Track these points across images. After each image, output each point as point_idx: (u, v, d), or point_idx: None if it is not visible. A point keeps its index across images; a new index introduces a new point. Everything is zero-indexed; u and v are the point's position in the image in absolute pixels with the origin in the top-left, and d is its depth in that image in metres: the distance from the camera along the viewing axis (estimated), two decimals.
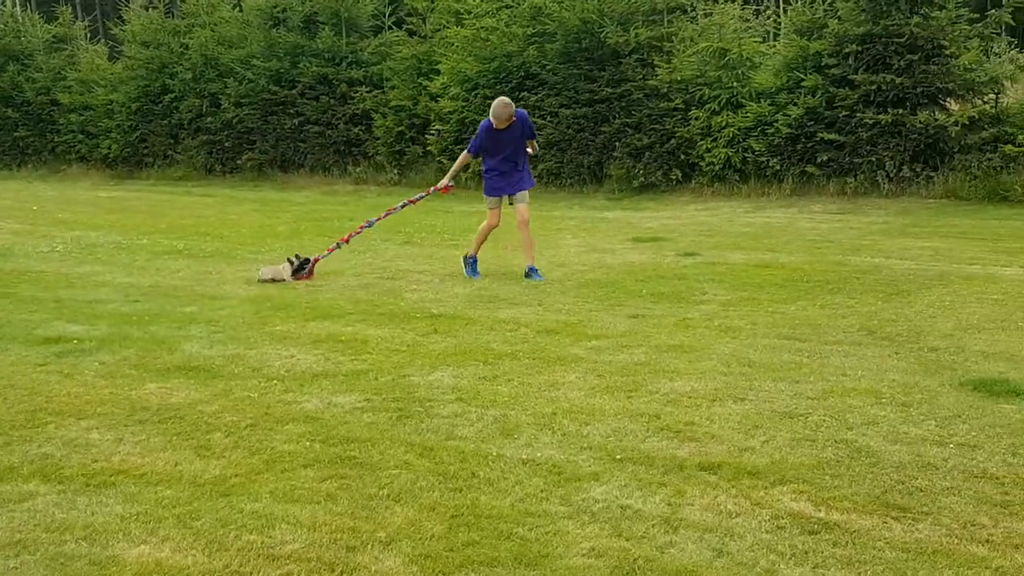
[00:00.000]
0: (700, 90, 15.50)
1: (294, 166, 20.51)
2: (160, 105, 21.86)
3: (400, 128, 18.87)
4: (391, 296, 8.02)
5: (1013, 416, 4.34)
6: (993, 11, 13.84)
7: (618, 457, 4.14)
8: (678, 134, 15.61)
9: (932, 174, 13.29)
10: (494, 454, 4.26)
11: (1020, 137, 12.40)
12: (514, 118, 8.65)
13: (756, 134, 14.71)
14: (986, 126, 12.99)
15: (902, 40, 13.32)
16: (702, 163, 15.32)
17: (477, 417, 4.77)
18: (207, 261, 10.10)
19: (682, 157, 15.73)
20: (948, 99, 13.81)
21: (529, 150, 9.07)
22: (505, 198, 9.12)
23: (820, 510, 3.51)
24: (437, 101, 18.40)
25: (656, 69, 16.05)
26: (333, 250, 9.29)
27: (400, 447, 4.40)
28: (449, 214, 14.93)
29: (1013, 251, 9.06)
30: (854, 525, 3.37)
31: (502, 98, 8.90)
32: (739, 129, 14.85)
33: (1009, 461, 3.82)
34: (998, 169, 12.64)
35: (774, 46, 15.70)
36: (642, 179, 16.00)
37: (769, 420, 4.49)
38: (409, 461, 4.23)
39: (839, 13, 14.14)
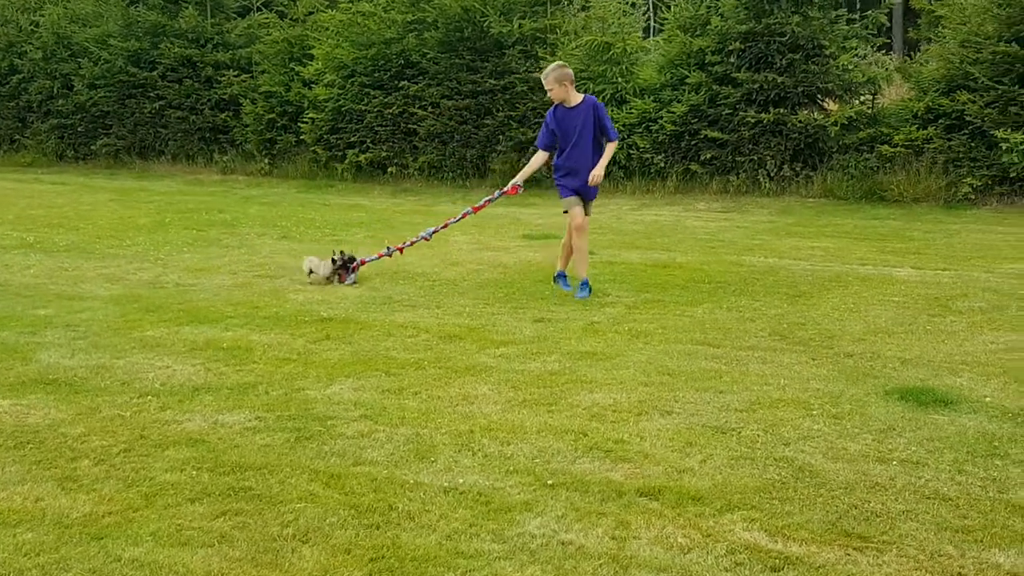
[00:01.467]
0: (585, 85, 15.35)
1: (154, 153, 19.36)
2: (7, 86, 20.33)
3: (271, 115, 18.04)
4: (274, 297, 7.45)
5: (947, 428, 4.23)
6: (871, 12, 14.21)
7: (549, 482, 3.79)
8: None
9: (811, 174, 13.53)
10: (411, 481, 3.84)
11: (896, 137, 12.73)
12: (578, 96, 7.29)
13: (640, 131, 14.67)
14: (863, 126, 13.30)
15: (784, 39, 13.50)
16: None
17: (387, 437, 4.34)
18: (61, 256, 9.23)
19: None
20: (826, 99, 14.10)
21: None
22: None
23: (776, 541, 3.26)
24: (311, 88, 17.70)
25: (540, 62, 15.81)
26: (383, 255, 8.24)
27: (303, 475, 3.93)
28: (326, 207, 14.31)
29: (899, 251, 9.21)
30: (817, 559, 3.13)
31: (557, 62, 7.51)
32: (624, 125, 14.77)
33: (957, 479, 3.67)
34: (875, 169, 12.96)
35: (657, 42, 15.69)
36: None
37: (702, 436, 4.23)
38: (315, 492, 3.77)
39: (722, 10, 14.23)
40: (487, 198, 8.04)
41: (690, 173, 14.29)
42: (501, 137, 16.07)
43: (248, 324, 6.54)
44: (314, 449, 4.22)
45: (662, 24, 15.64)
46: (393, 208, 14.24)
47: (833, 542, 3.23)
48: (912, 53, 14.35)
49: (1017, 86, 11.68)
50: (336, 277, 7.96)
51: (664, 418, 4.49)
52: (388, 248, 8.22)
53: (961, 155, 12.19)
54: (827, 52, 13.55)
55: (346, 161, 17.50)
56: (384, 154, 17.19)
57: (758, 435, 4.21)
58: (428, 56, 16.58)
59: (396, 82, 16.98)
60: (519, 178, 7.65)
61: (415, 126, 16.80)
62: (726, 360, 5.48)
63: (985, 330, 5.98)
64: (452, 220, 8.20)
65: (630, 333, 6.18)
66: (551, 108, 7.48)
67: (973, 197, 12.08)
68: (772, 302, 7.02)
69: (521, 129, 15.81)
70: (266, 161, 18.20)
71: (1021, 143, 11.46)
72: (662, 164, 14.50)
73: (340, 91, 17.31)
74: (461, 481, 3.83)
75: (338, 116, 17.43)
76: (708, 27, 14.40)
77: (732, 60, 13.88)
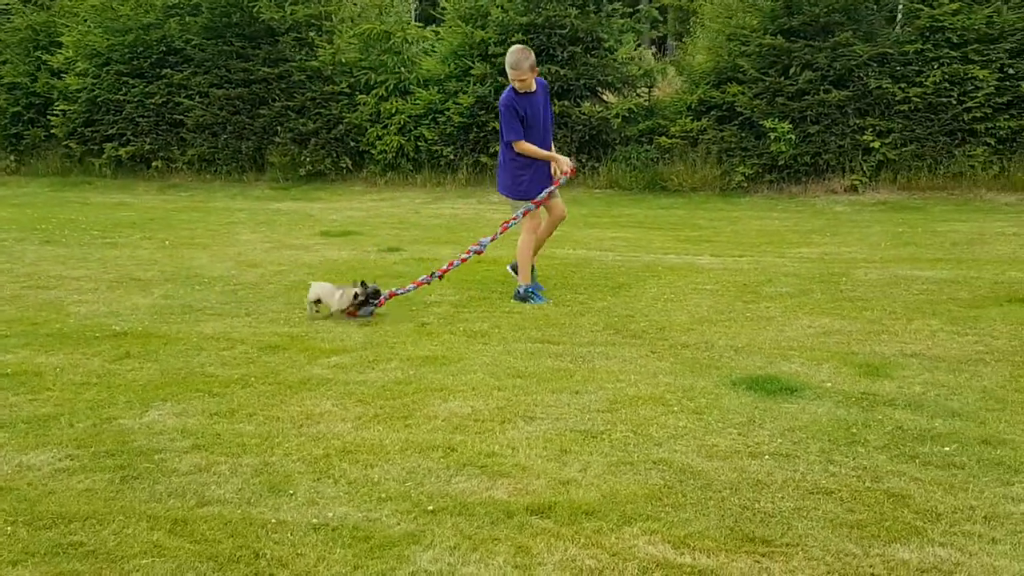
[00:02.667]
0: (365, 74, 14.91)
1: None
2: None
3: (16, 108, 16.29)
4: (53, 311, 6.59)
5: (802, 417, 4.30)
6: (643, 6, 14.69)
7: (429, 508, 3.48)
8: (346, 120, 14.91)
9: (597, 165, 13.84)
10: (272, 520, 3.41)
11: (672, 129, 13.24)
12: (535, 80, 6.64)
13: (428, 122, 14.43)
14: (641, 119, 13.75)
15: (564, 31, 13.67)
16: (374, 151, 14.76)
17: (230, 470, 3.85)
18: None
19: (351, 144, 15.06)
20: (606, 92, 14.46)
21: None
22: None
23: (683, 553, 3.13)
24: (61, 78, 16.14)
25: (317, 50, 15.20)
26: (423, 283, 6.73)
27: (140, 523, 3.40)
28: (87, 206, 13.06)
29: (693, 240, 9.53)
30: (730, 570, 3.03)
31: (517, 45, 6.72)
32: (410, 116, 14.48)
33: (831, 471, 3.71)
34: (655, 160, 13.42)
35: (437, 31, 15.48)
36: (309, 167, 15.11)
37: (573, 442, 4.06)
38: (160, 543, 3.26)
39: (500, 2, 14.20)
40: (548, 188, 6.83)
41: (480, 165, 14.21)
42: (279, 128, 15.31)
43: (29, 344, 5.72)
44: (146, 490, 3.67)
45: (442, 14, 15.44)
46: (164, 205, 13.20)
47: (739, 549, 3.15)
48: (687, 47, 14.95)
49: (783, 77, 12.45)
50: (344, 312, 6.36)
51: (530, 425, 4.28)
52: (432, 273, 6.72)
53: (733, 145, 12.85)
54: (605, 45, 13.88)
55: (104, 156, 16.10)
56: (148, 147, 15.95)
57: (628, 437, 4.10)
58: (193, 43, 15.52)
59: (158, 70, 15.79)
60: (561, 157, 6.79)
61: (181, 117, 15.69)
62: (570, 358, 5.36)
63: (799, 315, 6.22)
64: (512, 221, 6.91)
65: (465, 333, 5.94)
66: (508, 93, 6.62)
67: (746, 185, 12.78)
68: (596, 295, 7.00)
69: (300, 120, 15.13)
70: (12, 158, 16.42)
71: (787, 133, 12.23)
72: (452, 156, 14.34)
73: (94, 80, 15.92)
74: (330, 515, 3.44)
75: (93, 107, 16.01)
76: (489, 18, 14.34)
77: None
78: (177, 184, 15.49)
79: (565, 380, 4.93)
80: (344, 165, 15.12)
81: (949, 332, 5.64)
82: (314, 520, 3.40)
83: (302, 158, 15.13)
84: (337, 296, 6.34)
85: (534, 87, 6.68)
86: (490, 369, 5.14)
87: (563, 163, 6.78)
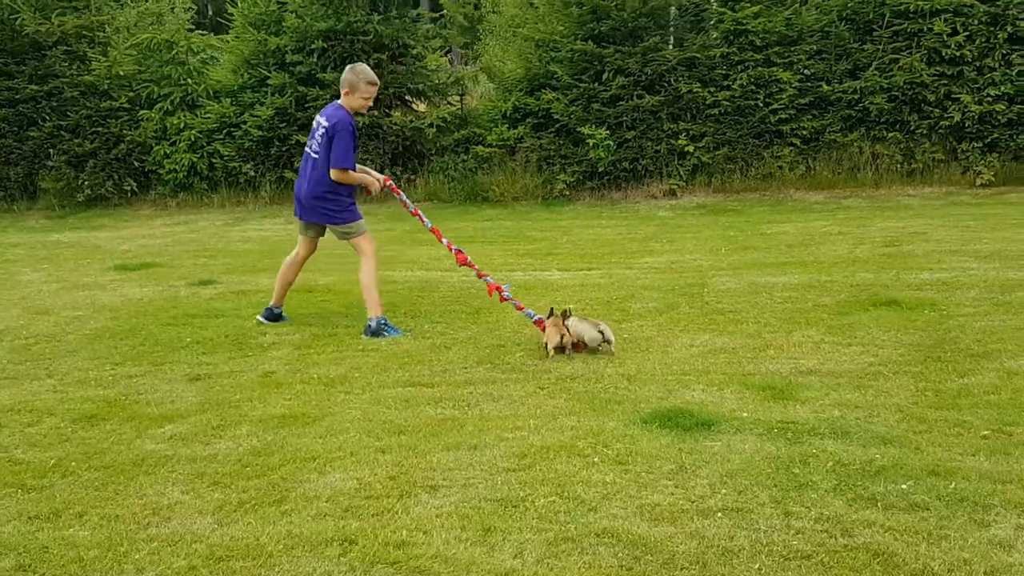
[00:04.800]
0: (147, 87, 13.59)
1: None
2: None
3: None
4: None
5: (732, 458, 3.88)
6: (445, 11, 14.21)
7: None
8: (128, 138, 13.54)
9: (413, 177, 13.21)
10: None
11: (488, 137, 12.83)
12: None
13: (222, 137, 13.31)
14: (455, 128, 13.25)
15: (367, 38, 12.96)
16: (162, 171, 13.46)
17: None
18: None
19: (136, 164, 13.67)
20: (416, 100, 13.86)
21: None
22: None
23: None
24: None
25: (90, 63, 13.70)
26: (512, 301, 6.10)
27: None
28: None
29: (533, 253, 9.11)
30: None
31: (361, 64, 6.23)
32: (201, 131, 13.30)
33: (795, 526, 3.28)
34: (473, 171, 12.95)
35: (226, 39, 14.33)
36: (88, 191, 13.63)
37: (494, 515, 3.44)
38: None
39: (294, 8, 13.27)
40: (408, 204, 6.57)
41: (285, 181, 13.23)
42: (51, 151, 13.71)
43: None
44: None
45: (230, 20, 14.30)
46: None
47: None
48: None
49: (596, 83, 12.31)
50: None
51: (434, 497, 3.62)
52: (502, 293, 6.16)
53: (552, 153, 12.59)
54: (413, 52, 13.28)
55: None
56: None
57: (555, 503, 3.52)
58: None
59: None
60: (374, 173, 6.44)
61: None
62: (452, 403, 4.73)
63: (676, 332, 5.88)
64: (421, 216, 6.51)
65: (321, 381, 5.17)
66: (349, 116, 6.11)
67: (568, 193, 12.55)
68: (455, 323, 6.40)
69: (75, 140, 13.63)
70: None
71: (605, 139, 12.10)
72: (252, 173, 13.28)
73: None
74: None
75: None
76: (284, 24, 13.38)
77: (315, 60, 13.04)
78: None
79: (456, 433, 4.29)
80: (128, 188, 13.72)
81: (832, 344, 5.46)
82: None
83: (79, 182, 13.61)
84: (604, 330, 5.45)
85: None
86: (364, 426, 4.43)
87: (375, 183, 6.42)
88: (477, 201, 12.70)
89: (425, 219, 6.54)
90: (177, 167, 13.30)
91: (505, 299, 6.14)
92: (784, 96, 11.98)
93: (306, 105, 13.06)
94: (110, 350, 5.98)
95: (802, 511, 3.38)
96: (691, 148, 12.16)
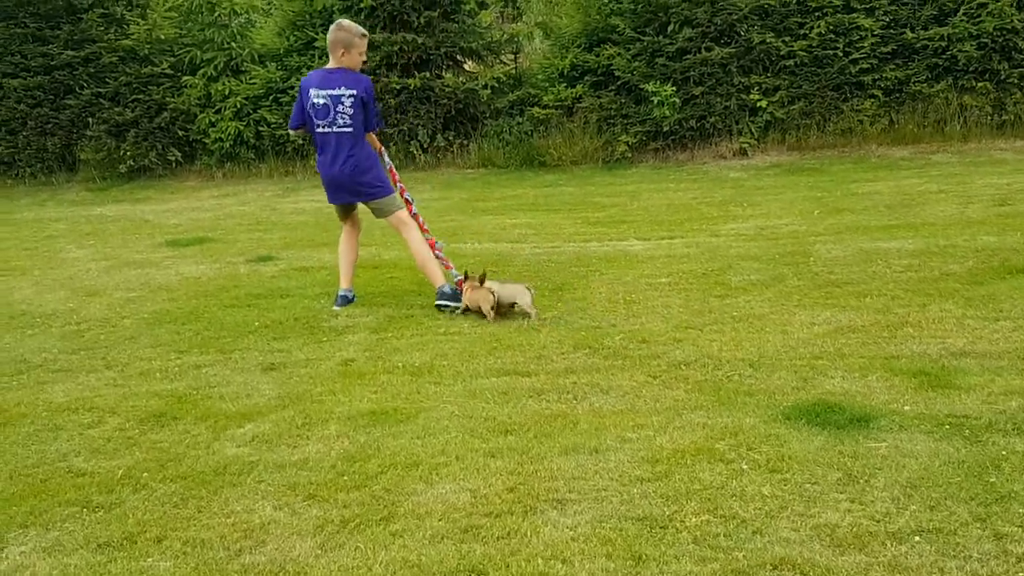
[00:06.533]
0: (189, 52, 13.12)
1: None
2: None
3: None
4: None
5: (907, 462, 3.35)
6: None
7: None
8: (171, 105, 13.10)
9: (466, 142, 12.67)
10: None
11: (545, 98, 12.23)
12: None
13: (269, 104, 12.84)
14: (509, 89, 12.67)
15: None
16: (207, 140, 13.02)
17: None
18: None
19: (179, 133, 13.25)
20: (467, 60, 13.28)
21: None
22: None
23: None
24: None
25: (128, 27, 13.26)
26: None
27: None
28: None
29: (605, 221, 8.58)
30: None
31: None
32: (247, 98, 12.84)
33: (1019, 552, 2.76)
34: (529, 133, 12.38)
35: (270, 0, 13.83)
36: (130, 162, 13.22)
37: (640, 539, 2.96)
38: None
39: None
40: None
41: None
42: (90, 120, 13.32)
43: None
44: None
45: None
46: None
47: None
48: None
49: (661, 36, 11.65)
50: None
51: (564, 513, 3.15)
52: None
53: (613, 112, 11.97)
54: (465, 8, 12.68)
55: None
56: None
57: (709, 522, 3.03)
58: None
59: None
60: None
61: None
62: (557, 395, 4.25)
63: (791, 308, 5.34)
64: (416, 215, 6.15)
65: (406, 371, 4.71)
66: (365, 79, 5.76)
67: (630, 155, 11.94)
68: (537, 301, 5.88)
69: (116, 108, 13.22)
70: None
71: (670, 96, 11.45)
72: (300, 141, 12.79)
73: None
74: None
75: None
76: None
77: (363, 19, 12.48)
78: None
79: (570, 432, 3.81)
80: (172, 158, 13.31)
81: (978, 319, 4.89)
82: None
83: (121, 153, 13.22)
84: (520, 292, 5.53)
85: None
86: (463, 424, 3.97)
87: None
88: (534, 166, 12.14)
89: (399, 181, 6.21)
90: (223, 136, 12.87)
91: (436, 256, 5.94)
92: (865, 45, 11.24)
93: None
94: (172, 336, 5.56)
95: (1017, 532, 2.86)
96: (764, 103, 11.48)
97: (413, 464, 3.60)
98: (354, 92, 5.63)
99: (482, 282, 5.55)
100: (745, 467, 3.39)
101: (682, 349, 4.78)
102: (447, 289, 5.81)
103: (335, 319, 5.77)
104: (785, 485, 3.24)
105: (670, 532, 2.98)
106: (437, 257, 5.96)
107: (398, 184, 6.15)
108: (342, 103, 5.64)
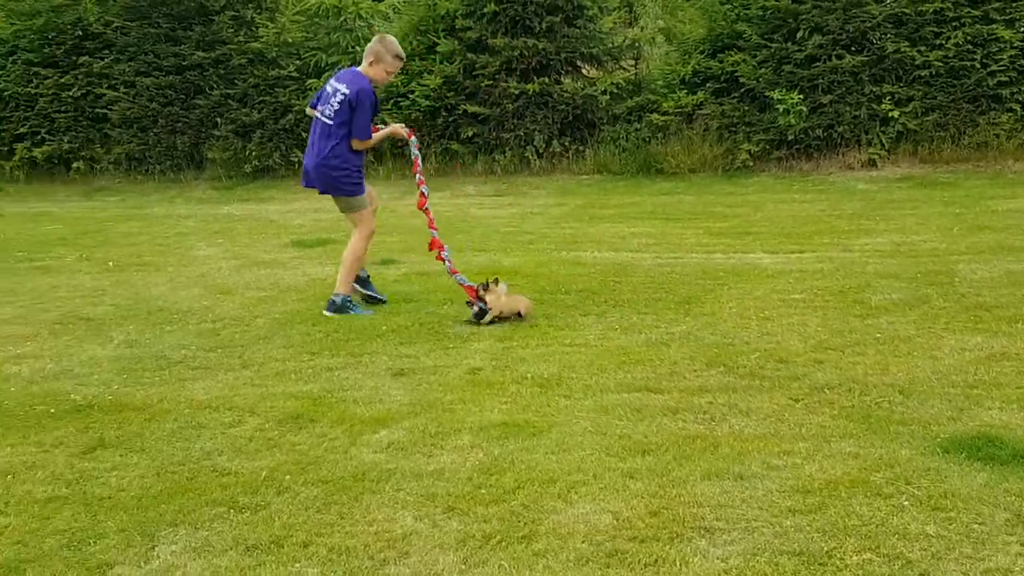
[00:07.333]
0: (315, 55, 13.41)
1: None
2: None
3: None
4: None
5: None
6: None
7: None
8: (295, 107, 13.38)
9: (582, 148, 12.60)
10: None
11: (664, 104, 12.07)
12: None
13: (389, 107, 12.99)
14: (628, 95, 12.54)
15: (541, 0, 12.36)
16: None
17: None
18: None
19: (303, 135, 13.49)
20: (585, 65, 13.21)
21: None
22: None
23: None
24: None
25: (258, 29, 13.64)
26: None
27: None
28: (1, 219, 11.38)
29: (728, 232, 8.39)
30: None
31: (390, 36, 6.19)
32: None
33: None
34: (647, 140, 12.23)
35: (395, 5, 14.02)
36: (255, 162, 13.57)
37: (798, 575, 2.83)
38: None
39: None
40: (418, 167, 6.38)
41: (450, 153, 12.86)
42: (218, 120, 13.73)
43: None
44: None
45: None
46: (93, 214, 11.60)
47: None
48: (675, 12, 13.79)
49: (789, 43, 11.36)
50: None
51: (712, 543, 3.04)
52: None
53: (735, 120, 11.74)
54: (588, 14, 12.60)
55: (15, 157, 14.35)
56: (67, 146, 14.24)
57: (872, 561, 2.87)
58: (113, 25, 13.84)
59: (74, 58, 14.07)
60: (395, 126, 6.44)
61: (104, 110, 13.99)
62: (693, 415, 4.13)
63: (938, 332, 5.10)
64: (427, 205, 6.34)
65: (535, 382, 4.66)
66: (370, 87, 5.99)
67: (751, 164, 11.68)
68: (664, 314, 5.79)
69: (243, 110, 13.58)
70: None
71: (796, 104, 11.15)
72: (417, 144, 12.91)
73: (0, 72, 14.12)
74: None
75: None
76: None
77: (485, 24, 12.54)
78: (104, 187, 13.83)
79: (711, 456, 3.69)
80: (295, 159, 13.58)
81: None
82: None
83: (246, 153, 13.58)
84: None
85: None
86: (598, 441, 3.89)
87: (400, 129, 6.33)
88: (650, 173, 11.99)
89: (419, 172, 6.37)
90: None
91: (442, 258, 6.07)
92: (1004, 57, 10.75)
93: (474, 73, 12.61)
94: (303, 337, 5.65)
95: None
96: (896, 113, 11.07)
97: (549, 480, 3.54)
98: (347, 92, 5.83)
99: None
100: (906, 503, 3.22)
101: (824, 371, 4.60)
102: (339, 300, 6.02)
103: (459, 325, 5.77)
104: (950, 525, 3.06)
105: (830, 570, 2.84)
106: (442, 258, 6.07)
107: (417, 174, 6.32)
108: (335, 97, 5.89)
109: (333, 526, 3.26)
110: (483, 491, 3.48)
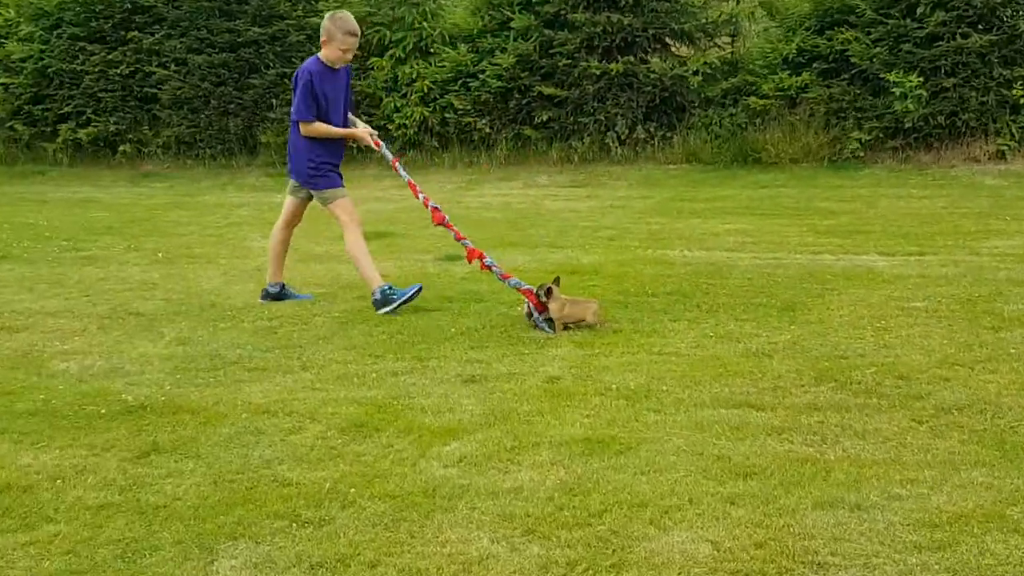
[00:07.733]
0: (378, 32, 13.56)
1: None
2: None
3: None
4: (30, 369, 5.31)
5: None
6: None
7: None
8: (356, 88, 13.52)
9: (669, 134, 12.52)
10: None
11: (764, 87, 11.93)
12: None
13: (457, 88, 13.12)
14: (723, 76, 12.42)
15: None
16: (391, 126, 13.41)
17: None
18: None
19: (364, 118, 13.65)
20: (676, 43, 13.12)
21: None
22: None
23: None
24: (1, 44, 14.81)
25: (317, 4, 13.85)
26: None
27: None
28: (45, 204, 11.79)
29: (837, 231, 8.27)
30: None
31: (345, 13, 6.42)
32: (435, 82, 13.15)
33: None
34: (743, 126, 12.11)
35: None
36: None
37: None
38: None
39: None
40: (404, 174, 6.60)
41: (523, 139, 12.90)
42: (274, 101, 13.98)
43: (4, 430, 4.41)
44: None
45: None
46: (141, 201, 11.91)
47: None
48: None
49: (908, 19, 11.15)
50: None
51: None
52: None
53: (845, 105, 11.58)
54: None
55: (59, 139, 14.79)
56: (113, 128, 14.64)
57: None
58: None
59: (122, 33, 14.46)
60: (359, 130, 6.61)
61: (154, 90, 14.35)
62: (801, 435, 4.07)
63: None
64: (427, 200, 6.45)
65: (620, 394, 4.64)
66: (314, 64, 6.31)
67: (862, 154, 11.49)
68: (765, 321, 5.72)
69: None
70: None
71: (916, 88, 10.93)
72: (488, 129, 13.00)
73: (43, 47, 14.61)
74: None
75: (43, 80, 14.70)
76: None
77: None
78: (151, 172, 14.18)
79: (823, 482, 3.63)
80: (353, 144, 13.73)
81: None
82: None
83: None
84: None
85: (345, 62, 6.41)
86: (694, 462, 3.85)
87: (365, 136, 6.49)
88: (747, 163, 11.89)
89: (402, 171, 6.56)
90: (408, 122, 13.24)
91: (487, 266, 6.01)
92: None
93: (551, 51, 12.62)
94: (366, 338, 5.72)
95: None
96: None
97: (640, 504, 3.52)
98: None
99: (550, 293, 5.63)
100: None
101: (951, 390, 4.50)
102: (378, 295, 6.18)
103: (533, 330, 5.78)
104: None
105: None
106: (486, 266, 6.01)
107: (399, 170, 6.54)
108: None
109: (403, 545, 3.29)
110: (566, 513, 3.47)
